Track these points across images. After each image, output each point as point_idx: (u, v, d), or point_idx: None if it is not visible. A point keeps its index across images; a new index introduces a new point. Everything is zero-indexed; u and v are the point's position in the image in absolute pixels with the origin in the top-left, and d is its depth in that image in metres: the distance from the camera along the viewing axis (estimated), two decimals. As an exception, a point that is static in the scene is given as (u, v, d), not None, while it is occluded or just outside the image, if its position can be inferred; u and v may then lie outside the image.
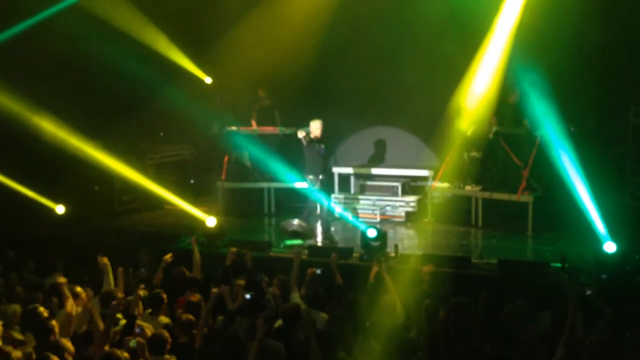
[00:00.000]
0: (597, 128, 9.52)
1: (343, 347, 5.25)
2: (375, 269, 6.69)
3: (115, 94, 10.58)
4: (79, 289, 6.09)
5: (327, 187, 9.68)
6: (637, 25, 8.99)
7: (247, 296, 5.86)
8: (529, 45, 8.84)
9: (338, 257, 7.54)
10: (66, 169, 9.94)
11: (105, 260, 6.47)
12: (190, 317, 5.61)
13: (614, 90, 9.40)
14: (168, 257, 6.88)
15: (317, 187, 9.15)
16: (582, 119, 9.33)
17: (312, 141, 9.04)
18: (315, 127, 9.10)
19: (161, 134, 11.81)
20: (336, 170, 10.83)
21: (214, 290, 5.74)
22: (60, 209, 9.42)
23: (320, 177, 9.24)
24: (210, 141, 11.37)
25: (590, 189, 8.42)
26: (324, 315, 5.96)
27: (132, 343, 4.84)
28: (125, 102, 10.88)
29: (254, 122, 10.82)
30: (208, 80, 11.31)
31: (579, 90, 9.16)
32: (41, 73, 10.05)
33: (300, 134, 9.05)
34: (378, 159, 11.22)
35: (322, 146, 9.12)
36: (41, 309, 5.49)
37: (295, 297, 6.33)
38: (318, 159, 9.18)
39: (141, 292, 5.92)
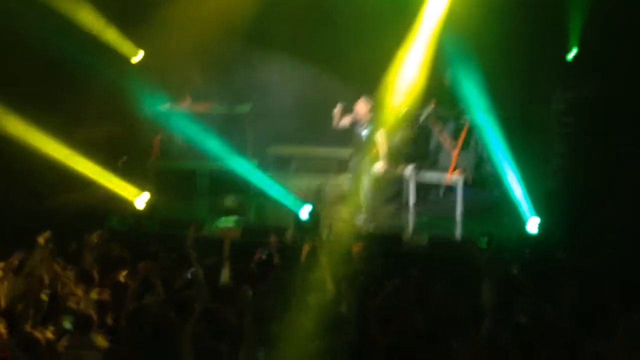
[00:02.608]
0: (523, 112, 9.84)
1: (275, 324, 5.27)
2: (306, 247, 6.73)
3: (41, 70, 10.15)
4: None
5: None
6: (559, 11, 9.29)
7: (189, 275, 5.80)
8: (459, 27, 9.02)
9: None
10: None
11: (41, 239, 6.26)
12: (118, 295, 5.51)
13: (538, 76, 9.72)
14: (95, 236, 6.72)
15: None
16: (508, 104, 9.60)
17: None
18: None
19: (88, 111, 11.42)
20: (273, 150, 10.79)
21: (140, 266, 5.64)
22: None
23: None
24: (141, 120, 11.08)
25: (516, 171, 8.72)
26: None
27: (67, 323, 4.72)
28: (51, 78, 10.44)
29: (186, 101, 10.62)
30: (137, 57, 11.00)
31: (504, 74, 9.42)
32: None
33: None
34: (314, 137, 11.21)
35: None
36: None
37: (225, 274, 6.27)
38: None
39: (68, 272, 5.76)
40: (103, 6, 10.38)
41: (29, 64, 10.01)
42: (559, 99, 9.86)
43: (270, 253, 6.73)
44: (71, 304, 5.41)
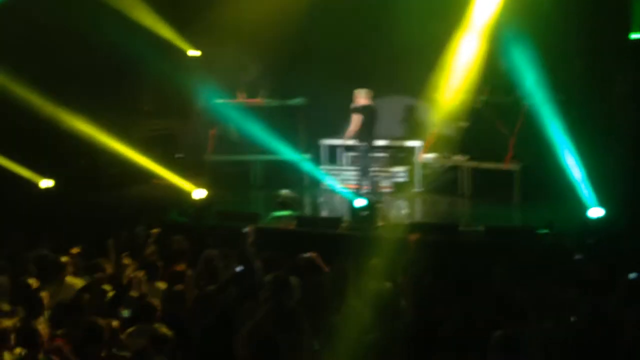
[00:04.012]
0: (584, 95, 9.51)
1: (333, 312, 5.28)
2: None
3: (100, 67, 10.45)
4: (64, 258, 6.07)
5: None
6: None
7: (238, 269, 5.88)
8: (516, 13, 8.79)
9: (327, 226, 7.65)
10: (51, 142, 9.84)
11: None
12: (180, 286, 5.63)
13: (599, 58, 9.37)
14: (155, 230, 6.89)
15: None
16: (569, 87, 9.31)
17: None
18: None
19: (146, 108, 11.71)
20: (324, 142, 10.81)
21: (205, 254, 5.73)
22: (44, 183, 9.35)
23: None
24: (197, 114, 11.29)
25: (577, 157, 8.46)
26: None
27: (125, 313, 4.86)
28: (110, 76, 10.74)
29: (241, 95, 10.75)
30: (193, 52, 11.20)
31: (565, 58, 9.13)
32: (23, 46, 9.88)
33: None
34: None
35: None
36: (31, 280, 5.48)
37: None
38: None
39: (128, 262, 5.93)
40: (158, 3, 10.59)
41: (87, 61, 10.31)
42: (623, 81, 9.49)
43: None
44: (134, 294, 5.56)
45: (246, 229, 6.97)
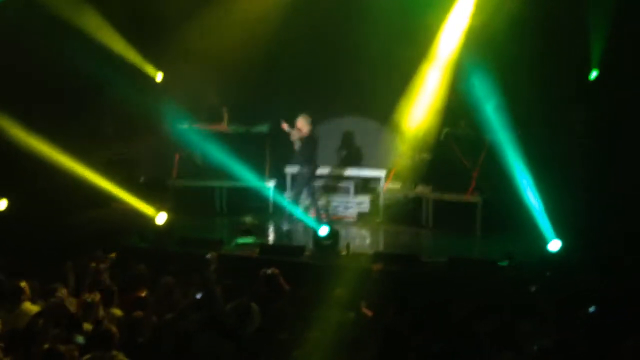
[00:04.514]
0: (543, 132, 9.77)
1: (293, 344, 5.24)
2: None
3: (64, 90, 10.31)
4: (23, 284, 5.90)
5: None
6: (580, 33, 9.27)
7: (198, 296, 5.81)
8: (478, 47, 9.04)
9: (290, 255, 7.65)
10: (10, 164, 9.61)
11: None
12: (140, 313, 5.52)
13: (558, 97, 9.67)
14: (112, 255, 6.78)
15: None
16: (529, 123, 9.55)
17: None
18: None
19: (110, 130, 11.57)
20: (288, 169, 10.82)
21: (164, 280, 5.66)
22: (1, 204, 9.11)
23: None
24: (161, 138, 11.20)
25: (536, 191, 8.66)
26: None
27: (80, 339, 4.74)
28: (74, 97, 10.61)
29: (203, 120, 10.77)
30: (159, 76, 11.16)
31: (526, 94, 9.38)
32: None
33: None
34: (331, 159, 11.25)
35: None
36: None
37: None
38: None
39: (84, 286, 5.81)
40: (123, 28, 10.55)
41: (51, 83, 10.16)
42: (579, 118, 9.82)
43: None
44: (88, 321, 5.43)
45: (208, 256, 6.94)
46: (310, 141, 9.52)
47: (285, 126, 9.57)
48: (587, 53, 9.42)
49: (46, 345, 4.80)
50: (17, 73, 9.83)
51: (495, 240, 8.83)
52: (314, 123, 9.55)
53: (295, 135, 9.60)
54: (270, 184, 10.46)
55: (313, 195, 9.68)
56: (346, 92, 10.55)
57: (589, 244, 8.00)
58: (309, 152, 9.55)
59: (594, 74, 9.51)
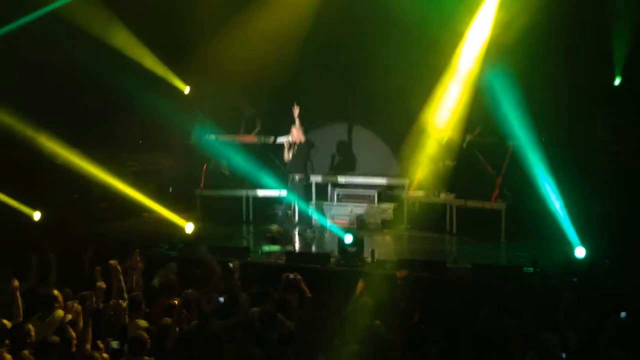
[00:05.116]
0: (567, 138, 9.77)
1: (320, 350, 5.34)
2: (361, 284, 6.72)
3: (95, 103, 10.60)
4: (56, 292, 6.08)
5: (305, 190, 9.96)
6: (604, 39, 9.26)
7: (221, 299, 5.94)
8: (501, 55, 9.07)
9: (316, 262, 7.77)
10: (45, 176, 9.91)
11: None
12: (169, 320, 5.66)
13: (583, 102, 9.65)
14: (141, 264, 6.90)
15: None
16: (553, 129, 9.56)
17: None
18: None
19: (140, 142, 11.84)
20: (314, 178, 10.97)
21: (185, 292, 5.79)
22: (37, 216, 9.39)
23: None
24: (189, 149, 11.43)
25: (561, 197, 8.65)
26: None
27: (114, 344, 4.90)
28: (104, 110, 10.89)
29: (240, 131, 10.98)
30: (187, 89, 11.41)
31: (549, 100, 9.39)
32: (21, 82, 10.01)
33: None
34: (355, 167, 11.38)
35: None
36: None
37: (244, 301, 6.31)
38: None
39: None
40: (152, 43, 10.81)
41: (80, 96, 10.46)
42: (604, 125, 9.77)
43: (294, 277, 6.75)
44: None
45: (231, 264, 7.09)
46: (306, 148, 9.82)
47: (296, 110, 9.64)
48: (611, 58, 9.39)
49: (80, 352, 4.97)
50: (49, 88, 10.16)
51: (520, 247, 8.84)
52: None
53: (295, 136, 9.77)
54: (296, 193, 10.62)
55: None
56: (369, 102, 10.66)
57: (614, 250, 7.98)
58: (306, 159, 9.89)
59: (617, 81, 9.47)
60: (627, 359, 4.98)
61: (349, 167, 11.43)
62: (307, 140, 9.88)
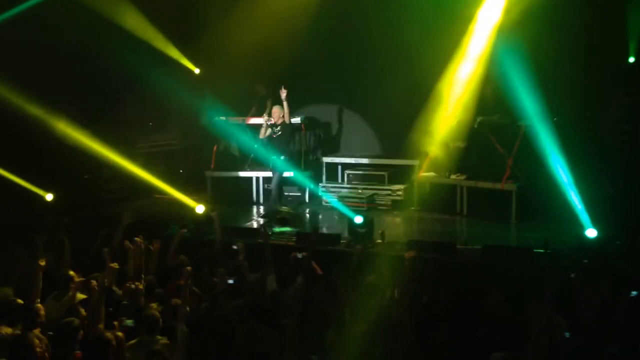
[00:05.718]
0: (580, 118, 9.67)
1: (328, 329, 5.37)
2: (358, 247, 6.77)
3: (104, 83, 10.62)
4: (72, 272, 6.15)
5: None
6: (618, 17, 9.12)
7: (230, 281, 5.98)
8: (513, 35, 8.96)
9: (325, 243, 7.77)
10: (56, 157, 9.98)
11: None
12: (178, 300, 5.70)
13: (595, 82, 9.54)
14: (157, 245, 6.95)
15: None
16: (565, 109, 9.46)
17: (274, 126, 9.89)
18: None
19: (150, 123, 11.87)
20: (324, 159, 10.97)
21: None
22: (49, 197, 9.47)
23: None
24: (199, 131, 11.45)
25: (572, 178, 8.59)
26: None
27: (129, 322, 4.96)
28: (114, 92, 10.92)
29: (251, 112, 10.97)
30: (197, 70, 11.39)
31: (562, 80, 9.29)
32: (30, 63, 10.05)
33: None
34: (364, 148, 11.34)
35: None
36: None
37: (271, 281, 6.41)
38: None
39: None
40: (163, 24, 10.79)
41: (91, 77, 10.48)
42: (618, 105, 9.66)
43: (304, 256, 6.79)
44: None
45: (235, 246, 7.14)
46: (291, 129, 9.95)
47: (283, 93, 9.67)
48: (625, 37, 9.26)
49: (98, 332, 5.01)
50: (60, 70, 10.19)
51: (531, 228, 8.81)
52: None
53: (277, 117, 9.88)
54: (307, 174, 10.62)
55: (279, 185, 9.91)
56: (379, 82, 10.60)
57: (626, 231, 7.93)
58: (287, 141, 10.00)
59: (631, 59, 9.34)
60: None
61: (359, 148, 11.40)
62: (291, 122, 9.87)
